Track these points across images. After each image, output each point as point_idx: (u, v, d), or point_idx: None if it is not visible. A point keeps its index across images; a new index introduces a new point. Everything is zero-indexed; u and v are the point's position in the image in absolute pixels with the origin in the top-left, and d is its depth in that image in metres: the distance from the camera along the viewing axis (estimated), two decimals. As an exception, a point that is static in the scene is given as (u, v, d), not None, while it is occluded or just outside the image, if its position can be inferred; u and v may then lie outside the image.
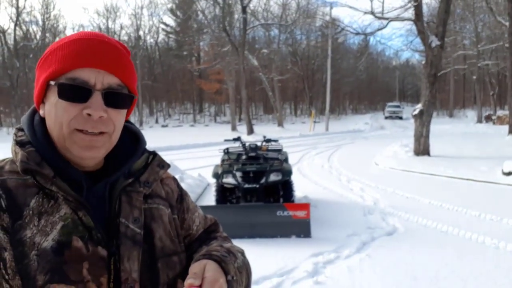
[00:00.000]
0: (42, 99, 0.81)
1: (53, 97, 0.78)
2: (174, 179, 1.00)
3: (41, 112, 0.82)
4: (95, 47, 0.77)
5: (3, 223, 0.73)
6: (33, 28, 36.48)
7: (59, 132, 0.77)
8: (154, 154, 0.92)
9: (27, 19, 35.31)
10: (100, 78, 0.77)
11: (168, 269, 0.84)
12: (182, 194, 0.98)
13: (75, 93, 0.76)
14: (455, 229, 5.13)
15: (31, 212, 0.75)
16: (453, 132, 22.13)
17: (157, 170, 0.90)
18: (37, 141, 0.80)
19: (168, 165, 0.93)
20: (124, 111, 0.83)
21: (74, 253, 0.74)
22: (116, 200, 0.82)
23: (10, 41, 33.45)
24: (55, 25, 37.43)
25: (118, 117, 0.80)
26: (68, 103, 0.76)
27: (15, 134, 0.82)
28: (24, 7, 36.88)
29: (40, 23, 35.66)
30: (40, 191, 0.76)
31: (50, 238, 0.74)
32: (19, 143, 0.80)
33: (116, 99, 0.79)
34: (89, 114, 0.75)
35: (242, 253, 0.94)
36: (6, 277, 0.72)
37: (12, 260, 0.72)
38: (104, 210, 0.81)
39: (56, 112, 0.77)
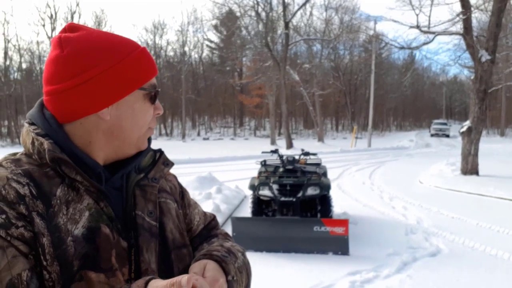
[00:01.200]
0: (109, 105, 0.81)
1: (135, 101, 0.84)
2: (175, 176, 1.05)
3: (104, 116, 0.81)
4: (151, 56, 0.88)
5: (38, 209, 0.74)
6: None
7: (138, 132, 0.85)
8: (160, 152, 0.96)
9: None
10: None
11: (178, 261, 0.87)
12: (183, 191, 1.02)
13: (156, 97, 0.87)
14: (505, 253, 4.79)
15: (58, 201, 0.76)
16: (505, 151, 20.92)
17: (162, 167, 0.94)
18: (55, 133, 0.81)
19: (172, 163, 0.97)
20: None
21: (104, 240, 0.76)
22: (131, 193, 0.85)
23: (65, 55, 35.44)
24: (106, 41, 39.28)
25: None
26: (150, 105, 0.86)
27: (29, 127, 0.82)
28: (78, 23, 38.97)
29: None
30: (63, 182, 0.78)
31: (80, 225, 0.75)
32: (39, 135, 0.80)
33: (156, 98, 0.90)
34: (158, 113, 0.88)
35: (243, 253, 0.96)
36: (45, 263, 0.72)
37: (50, 245, 0.72)
38: (121, 202, 0.84)
39: (140, 114, 0.85)
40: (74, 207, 0.76)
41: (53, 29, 31.38)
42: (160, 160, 0.94)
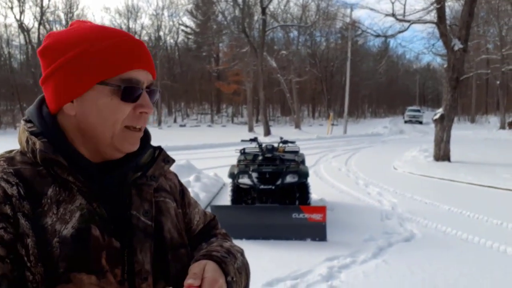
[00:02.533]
0: (73, 99, 0.79)
1: (99, 96, 0.78)
2: (175, 174, 1.02)
3: (68, 111, 0.79)
4: (142, 48, 0.82)
5: (24, 210, 0.72)
6: (57, 27, 37.24)
7: (109, 131, 0.79)
8: (160, 149, 0.94)
9: (51, 18, 36.14)
10: (145, 77, 0.82)
11: (176, 261, 0.86)
12: (183, 189, 1.01)
13: (133, 93, 0.79)
14: (475, 237, 4.99)
15: (49, 200, 0.75)
16: (475, 138, 21.63)
17: (162, 165, 0.91)
18: (49, 132, 0.80)
19: (173, 160, 0.95)
20: None
21: (94, 242, 0.75)
22: (127, 192, 0.83)
23: (34, 39, 34.29)
24: (78, 25, 38.12)
25: None
26: (124, 103, 0.79)
27: (25, 125, 0.82)
28: (48, 7, 37.63)
29: (64, 22, 36.43)
30: (55, 181, 0.77)
31: (69, 226, 0.74)
32: (32, 134, 0.79)
33: (154, 95, 0.85)
34: (142, 112, 0.80)
35: (242, 253, 0.95)
36: (29, 264, 0.71)
37: (34, 247, 0.71)
38: (115, 202, 0.82)
39: (106, 111, 0.78)
40: (65, 207, 0.75)
41: (21, 12, 30.19)
42: (159, 157, 0.92)
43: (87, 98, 0.79)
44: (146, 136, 0.92)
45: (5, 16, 46.05)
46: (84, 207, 0.76)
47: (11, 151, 0.82)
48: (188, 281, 0.73)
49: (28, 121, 0.83)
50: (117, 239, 0.77)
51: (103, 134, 0.79)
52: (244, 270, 0.89)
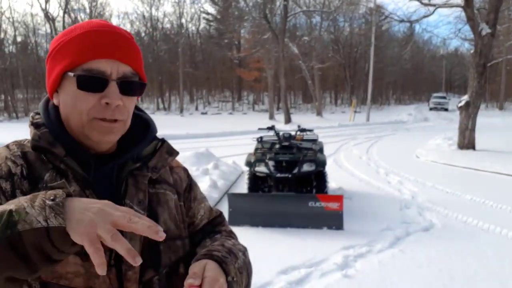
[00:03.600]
0: (55, 89, 0.85)
1: (69, 87, 0.81)
2: (185, 169, 1.04)
3: (55, 101, 0.86)
4: (109, 38, 0.81)
5: (22, 188, 0.78)
6: (81, 15, 37.84)
7: (78, 120, 0.82)
8: (162, 141, 0.95)
9: (75, 7, 36.74)
10: (115, 68, 0.81)
11: (170, 252, 0.87)
12: (191, 185, 1.02)
13: (93, 83, 0.80)
14: (497, 228, 4.87)
15: (44, 185, 0.79)
16: (503, 126, 20.95)
17: (165, 156, 0.94)
18: (51, 123, 0.85)
19: (177, 152, 0.97)
20: (135, 98, 0.87)
21: None
22: (123, 182, 0.86)
23: (59, 28, 34.95)
24: (101, 13, 38.64)
25: (131, 104, 0.85)
26: (87, 93, 0.80)
27: (32, 117, 0.88)
28: (72, -3, 38.20)
29: (88, 10, 36.95)
30: (54, 167, 0.81)
31: None
32: (34, 125, 0.85)
33: (130, 87, 0.83)
34: (107, 103, 0.80)
35: (244, 252, 0.95)
36: None
37: None
38: (111, 191, 0.84)
39: (74, 102, 0.81)
40: None
41: (47, 1, 30.74)
42: (162, 149, 0.94)
43: (62, 88, 0.83)
44: (149, 128, 0.94)
45: (31, 6, 47.04)
46: (77, 193, 0.79)
47: (26, 139, 0.89)
48: (188, 280, 0.74)
49: (37, 113, 0.89)
50: None
51: (75, 125, 0.83)
52: (245, 270, 0.89)
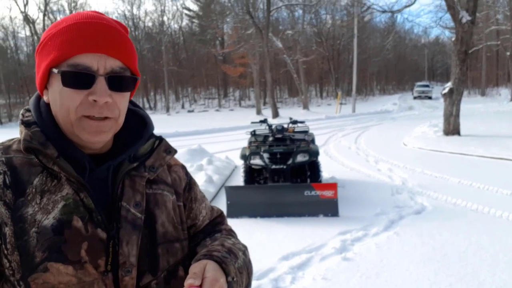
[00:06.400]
0: (45, 85, 0.81)
1: (56, 84, 0.77)
2: (183, 167, 0.99)
3: (45, 98, 0.82)
4: (95, 31, 0.75)
5: (5, 199, 0.74)
6: (61, 17, 37.22)
7: (66, 119, 0.77)
8: (160, 139, 0.91)
9: (54, 8, 36.18)
10: (102, 63, 0.75)
11: (169, 255, 0.85)
12: (190, 183, 0.98)
13: (79, 80, 0.74)
14: (485, 208, 5.09)
15: (34, 190, 0.75)
16: (485, 111, 21.44)
17: (163, 155, 0.90)
18: (42, 122, 0.81)
19: (175, 151, 0.93)
20: (128, 94, 0.82)
21: (74, 233, 0.74)
22: (119, 183, 0.82)
23: (39, 31, 34.41)
24: (82, 14, 38.03)
25: (122, 100, 0.80)
26: (73, 90, 0.75)
27: (22, 115, 0.83)
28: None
29: (67, 12, 36.43)
30: (44, 170, 0.77)
31: (51, 216, 0.74)
32: (25, 123, 0.81)
33: (120, 82, 0.78)
34: (95, 100, 0.75)
35: (244, 251, 0.93)
36: (5, 252, 0.73)
37: (12, 235, 0.73)
38: (107, 193, 0.81)
39: (61, 99, 0.76)
40: (48, 197, 0.75)
41: (25, 4, 30.22)
42: (160, 147, 0.90)
43: (51, 85, 0.79)
44: (146, 126, 0.90)
45: (10, 9, 46.19)
46: (70, 197, 0.76)
47: (12, 139, 0.84)
48: (188, 281, 0.72)
49: (28, 110, 0.84)
50: (104, 230, 0.77)
51: (64, 123, 0.78)
52: (245, 270, 0.87)
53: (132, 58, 0.80)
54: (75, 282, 0.73)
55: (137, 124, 0.89)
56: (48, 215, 0.74)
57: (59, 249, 0.73)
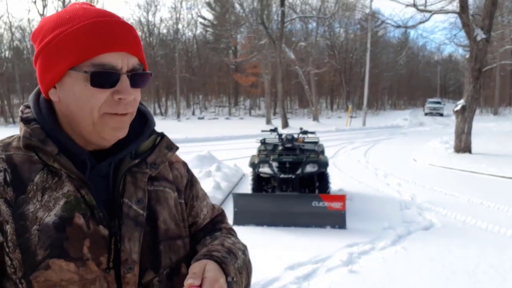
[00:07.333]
0: (54, 85, 0.78)
1: (76, 83, 0.75)
2: (184, 164, 0.99)
3: (53, 97, 0.79)
4: (116, 30, 0.76)
5: (6, 197, 0.74)
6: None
7: (87, 117, 0.76)
8: (162, 135, 0.91)
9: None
10: (125, 61, 0.76)
11: (171, 252, 0.84)
12: (192, 180, 0.97)
13: (106, 79, 0.74)
14: (495, 227, 5.01)
15: (35, 187, 0.75)
16: (498, 130, 21.19)
17: (165, 152, 0.89)
18: (42, 118, 0.80)
19: (177, 147, 0.92)
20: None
21: (75, 230, 0.74)
22: (121, 180, 0.81)
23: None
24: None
25: (139, 96, 0.81)
26: (98, 89, 0.74)
27: (22, 111, 0.82)
28: (70, 1, 38.31)
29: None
30: (45, 167, 0.77)
31: (52, 213, 0.74)
32: (24, 120, 0.80)
33: (140, 79, 0.79)
34: (120, 99, 0.75)
35: (244, 251, 0.92)
36: (7, 249, 0.73)
37: (13, 233, 0.73)
38: (108, 190, 0.81)
39: (83, 99, 0.75)
40: (49, 195, 0.75)
41: (44, 6, 30.79)
42: (161, 144, 0.89)
43: (65, 84, 0.76)
44: (147, 122, 0.90)
45: (29, 11, 46.94)
46: (71, 194, 0.76)
47: (12, 136, 0.83)
48: (188, 281, 0.72)
49: (28, 106, 0.83)
50: (105, 227, 0.77)
51: (83, 122, 0.77)
52: (245, 270, 0.87)
53: (143, 55, 0.82)
54: (77, 279, 0.73)
55: (138, 120, 0.88)
56: (49, 212, 0.74)
57: (61, 246, 0.73)
